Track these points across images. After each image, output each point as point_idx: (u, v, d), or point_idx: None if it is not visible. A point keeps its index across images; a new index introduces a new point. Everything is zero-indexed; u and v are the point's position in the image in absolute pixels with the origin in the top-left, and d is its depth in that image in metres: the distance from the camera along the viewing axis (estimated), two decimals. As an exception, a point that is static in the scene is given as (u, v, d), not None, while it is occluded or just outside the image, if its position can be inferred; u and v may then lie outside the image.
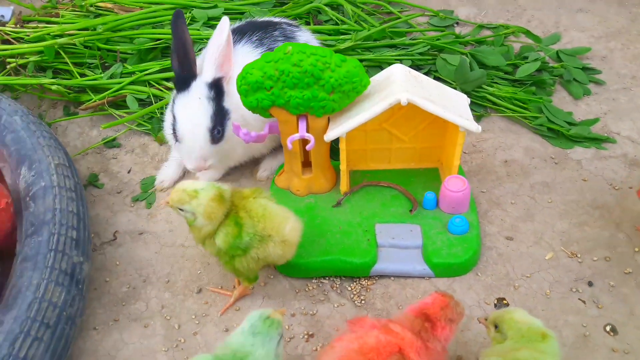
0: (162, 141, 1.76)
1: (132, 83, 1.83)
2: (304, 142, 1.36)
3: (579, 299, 1.24)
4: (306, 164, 1.46)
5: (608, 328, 1.19)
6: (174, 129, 1.41)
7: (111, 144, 1.79)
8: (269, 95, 1.27)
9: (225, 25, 1.35)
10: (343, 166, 1.39)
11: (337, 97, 1.27)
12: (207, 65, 1.39)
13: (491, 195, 1.49)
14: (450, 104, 1.31)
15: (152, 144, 1.77)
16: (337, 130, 1.29)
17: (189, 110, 1.38)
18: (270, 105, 1.28)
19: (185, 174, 1.64)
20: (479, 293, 1.27)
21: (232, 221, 1.17)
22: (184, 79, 1.39)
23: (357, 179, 1.48)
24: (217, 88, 1.39)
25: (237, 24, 1.62)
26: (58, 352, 1.15)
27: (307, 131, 1.31)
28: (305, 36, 1.60)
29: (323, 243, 1.32)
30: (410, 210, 1.37)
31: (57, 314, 1.16)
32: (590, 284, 1.27)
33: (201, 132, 1.38)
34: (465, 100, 1.37)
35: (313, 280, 1.34)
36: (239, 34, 1.54)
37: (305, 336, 1.23)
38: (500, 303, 1.24)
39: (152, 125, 1.78)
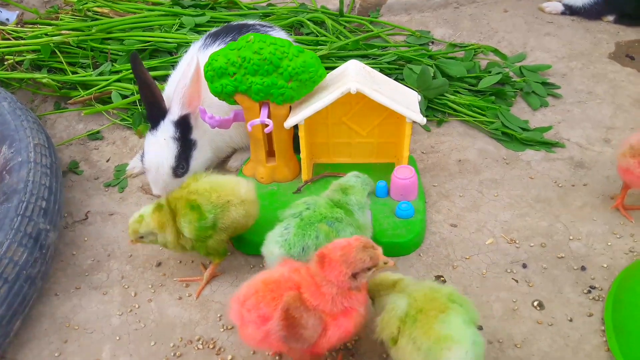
0: (141, 134, 1.87)
1: (118, 80, 1.96)
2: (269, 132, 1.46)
3: (513, 278, 1.31)
4: (271, 153, 1.56)
5: (536, 303, 1.25)
6: (142, 158, 1.55)
7: (94, 136, 1.90)
8: (232, 82, 1.38)
9: (193, 63, 1.42)
10: (303, 154, 1.48)
11: (295, 85, 1.38)
12: (174, 103, 1.48)
13: (441, 188, 1.57)
14: (400, 98, 1.41)
15: (132, 137, 1.88)
16: (295, 117, 1.40)
17: (155, 150, 1.49)
18: (234, 91, 1.39)
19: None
20: (419, 271, 1.34)
21: (188, 208, 1.22)
22: (153, 118, 1.51)
23: (320, 171, 1.58)
24: (183, 125, 1.50)
25: (214, 29, 1.75)
26: (14, 307, 1.22)
27: (269, 119, 1.41)
28: (280, 35, 1.72)
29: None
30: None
31: (17, 272, 1.24)
32: (524, 265, 1.34)
33: (164, 170, 1.49)
34: (415, 96, 1.47)
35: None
36: (213, 36, 1.66)
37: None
38: (438, 280, 1.31)
39: (133, 119, 1.89)
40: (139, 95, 1.87)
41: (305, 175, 1.53)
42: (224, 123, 1.47)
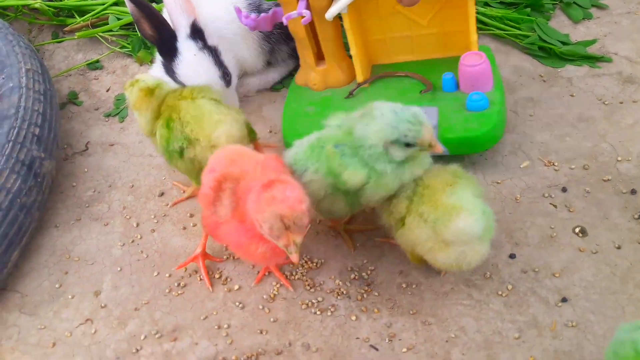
0: (142, 61, 1.74)
1: (115, 4, 1.82)
2: (313, 30, 1.32)
3: (551, 203, 1.17)
4: (320, 56, 1.39)
5: (577, 230, 1.11)
6: None
7: (94, 65, 1.78)
8: None
9: None
10: (353, 51, 1.30)
11: None
12: (174, 19, 1.32)
13: (471, 109, 1.41)
14: None
15: (132, 65, 1.76)
16: (337, 5, 1.21)
17: (194, 72, 1.32)
18: None
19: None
20: (444, 197, 1.20)
21: (165, 123, 1.13)
22: (168, 44, 1.33)
23: (379, 72, 1.39)
24: (197, 34, 1.34)
25: None
26: (10, 236, 1.14)
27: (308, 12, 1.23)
28: None
29: None
30: (421, 91, 1.29)
31: (10, 200, 1.16)
32: (564, 189, 1.19)
33: (217, 85, 1.33)
34: None
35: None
36: None
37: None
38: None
39: (133, 45, 1.76)
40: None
41: (359, 76, 1.36)
42: (262, 23, 1.31)
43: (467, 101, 1.22)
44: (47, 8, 1.82)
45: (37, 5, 1.81)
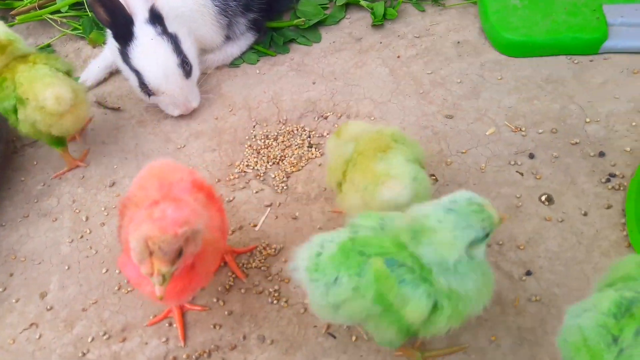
0: (94, 43, 1.65)
1: (62, -16, 1.71)
2: None
3: (517, 171, 1.11)
4: None
5: (544, 197, 1.05)
6: (142, 85, 1.27)
7: (45, 50, 1.68)
8: None
9: None
10: None
11: None
12: (132, 3, 1.23)
13: (436, 75, 1.34)
14: None
15: (85, 47, 1.66)
16: None
17: (151, 58, 1.24)
18: None
19: (110, 74, 1.52)
20: (406, 171, 1.15)
21: (1, 80, 1.12)
22: (123, 28, 1.25)
23: None
24: (156, 19, 1.26)
25: None
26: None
27: None
28: None
29: (548, 23, 1.29)
30: None
31: (-54, 201, 1.09)
32: (531, 156, 1.13)
33: (173, 71, 1.25)
34: None
35: (235, 170, 1.23)
36: None
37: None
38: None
39: (84, 26, 1.66)
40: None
41: None
42: None
43: None
44: (-10, -8, 1.72)
45: (-24, -12, 1.71)
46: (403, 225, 0.74)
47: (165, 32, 1.26)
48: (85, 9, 1.68)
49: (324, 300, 0.74)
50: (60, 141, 1.21)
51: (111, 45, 1.35)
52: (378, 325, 0.76)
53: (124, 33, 1.25)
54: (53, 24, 1.71)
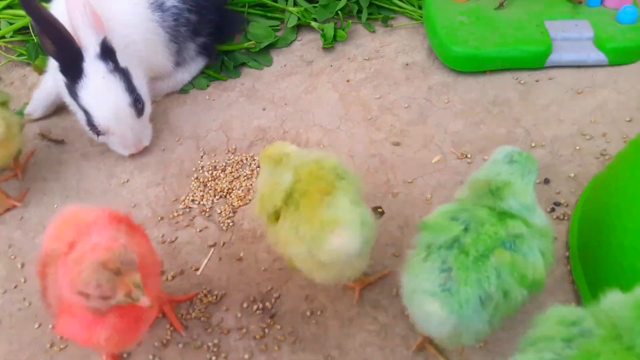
0: (40, 70, 1.60)
1: (8, 7, 1.66)
2: None
3: (461, 202, 1.11)
4: None
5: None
6: (91, 125, 1.22)
7: (-11, 77, 1.63)
8: None
9: None
10: None
11: None
12: (84, 34, 1.17)
13: (384, 101, 1.33)
14: None
15: (32, 74, 1.62)
16: None
17: (101, 98, 1.19)
18: None
19: (56, 106, 1.47)
20: (352, 203, 1.13)
21: None
22: (72, 63, 1.18)
23: None
24: (108, 54, 1.20)
25: None
26: None
27: None
28: None
29: (496, 37, 1.33)
30: (578, 2, 1.39)
31: None
32: (476, 185, 1.13)
33: (125, 113, 1.20)
34: None
35: (180, 206, 1.20)
36: None
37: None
38: (376, 211, 1.11)
39: (29, 52, 1.62)
40: (25, 19, 1.59)
41: None
42: None
43: (620, 14, 1.33)
44: None
45: None
46: (477, 187, 0.81)
47: (116, 68, 1.20)
48: (30, 33, 1.63)
49: (482, 319, 0.74)
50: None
51: (57, 77, 1.29)
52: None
53: (73, 68, 1.19)
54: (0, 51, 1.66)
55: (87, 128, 1.26)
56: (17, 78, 1.62)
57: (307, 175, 0.84)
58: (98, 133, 1.23)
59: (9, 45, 1.67)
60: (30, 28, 1.62)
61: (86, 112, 1.21)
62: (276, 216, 0.85)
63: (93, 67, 1.19)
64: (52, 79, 1.37)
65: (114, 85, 1.19)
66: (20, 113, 1.48)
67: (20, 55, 1.64)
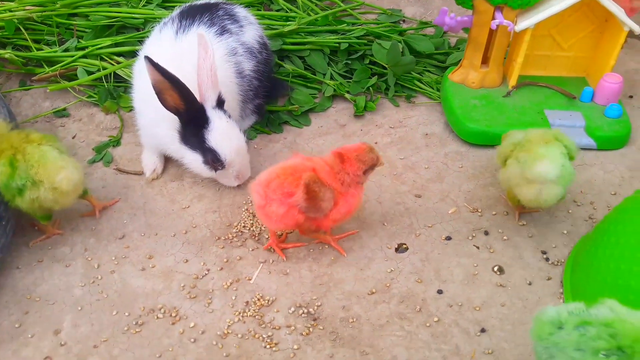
0: (108, 110, 1.85)
1: (84, 57, 1.93)
2: (489, 37, 1.63)
3: (474, 245, 1.33)
4: (484, 60, 1.69)
5: (496, 268, 1.27)
6: (215, 161, 1.41)
7: (61, 113, 1.86)
8: None
9: (207, 43, 1.35)
10: (520, 59, 1.62)
11: None
12: (206, 90, 1.39)
13: (407, 161, 1.58)
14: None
15: (99, 113, 1.85)
16: (527, 21, 1.52)
17: (229, 136, 1.41)
18: None
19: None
20: (382, 239, 1.35)
21: (8, 162, 1.24)
22: (196, 113, 1.39)
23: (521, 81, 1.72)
24: (220, 105, 1.44)
25: (178, 9, 1.67)
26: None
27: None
28: (243, 13, 1.71)
29: (504, 118, 1.60)
30: (573, 97, 1.66)
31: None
32: (486, 233, 1.36)
33: (244, 149, 1.45)
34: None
35: (233, 230, 1.40)
36: (189, 17, 1.60)
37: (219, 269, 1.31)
38: (401, 247, 1.32)
39: (99, 95, 1.86)
40: (105, 71, 1.85)
41: (513, 81, 1.68)
42: (461, 24, 1.63)
43: (607, 110, 1.61)
44: (17, 58, 1.92)
45: (6, 56, 1.90)
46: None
47: (229, 115, 1.45)
48: (102, 79, 1.88)
49: None
50: (49, 216, 1.36)
51: (162, 130, 1.47)
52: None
53: (198, 118, 1.40)
54: (71, 91, 1.90)
55: (203, 166, 1.44)
56: (85, 115, 1.85)
57: (535, 134, 1.28)
58: (220, 168, 1.43)
59: (80, 88, 1.92)
60: (103, 79, 1.87)
61: (212, 152, 1.40)
62: (505, 161, 1.31)
63: (216, 115, 1.41)
64: (153, 137, 1.55)
65: (235, 128, 1.44)
66: (101, 150, 1.68)
67: (90, 96, 1.89)
